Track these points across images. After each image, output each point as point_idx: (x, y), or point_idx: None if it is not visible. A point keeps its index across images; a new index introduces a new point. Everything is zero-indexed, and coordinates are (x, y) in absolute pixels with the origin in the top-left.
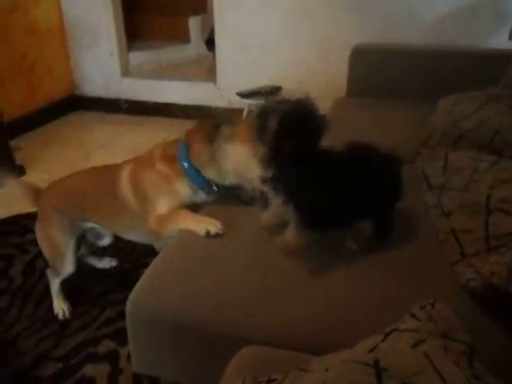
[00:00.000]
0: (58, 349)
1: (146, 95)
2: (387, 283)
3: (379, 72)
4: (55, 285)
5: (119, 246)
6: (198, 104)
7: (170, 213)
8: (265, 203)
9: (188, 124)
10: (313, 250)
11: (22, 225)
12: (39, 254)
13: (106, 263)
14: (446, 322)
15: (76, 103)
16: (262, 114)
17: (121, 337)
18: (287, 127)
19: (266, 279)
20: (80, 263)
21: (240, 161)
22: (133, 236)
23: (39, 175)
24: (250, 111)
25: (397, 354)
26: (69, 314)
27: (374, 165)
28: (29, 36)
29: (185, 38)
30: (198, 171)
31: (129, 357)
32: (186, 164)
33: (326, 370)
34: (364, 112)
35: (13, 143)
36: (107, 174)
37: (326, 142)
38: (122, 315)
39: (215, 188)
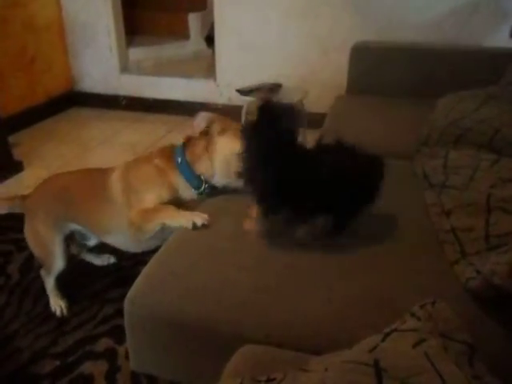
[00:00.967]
0: (55, 346)
1: (145, 92)
2: (387, 283)
3: (379, 70)
4: (49, 283)
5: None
6: (197, 101)
7: (154, 207)
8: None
9: (188, 121)
10: (312, 250)
11: (20, 221)
12: None
13: (105, 260)
14: (446, 321)
15: (75, 99)
16: (249, 112)
17: (119, 334)
18: (263, 122)
19: (265, 278)
20: (78, 261)
21: (227, 155)
22: (113, 238)
23: (37, 171)
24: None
25: (397, 354)
26: (66, 312)
27: (343, 163)
28: (28, 31)
29: (184, 35)
30: (189, 166)
31: (127, 355)
32: (179, 158)
33: (326, 369)
34: (364, 110)
35: (11, 139)
36: (98, 175)
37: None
38: (120, 313)
39: (204, 185)
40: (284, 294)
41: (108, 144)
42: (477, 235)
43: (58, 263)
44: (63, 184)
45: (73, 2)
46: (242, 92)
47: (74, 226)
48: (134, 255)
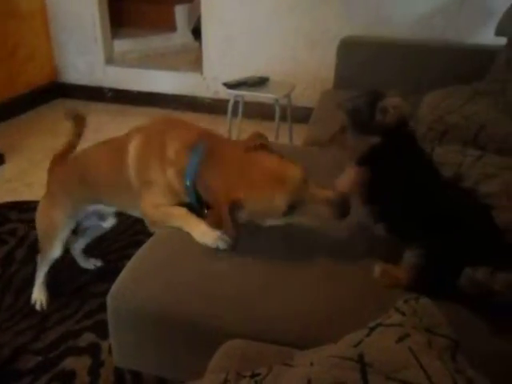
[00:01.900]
0: (37, 342)
1: (130, 84)
2: (373, 281)
3: (367, 65)
4: (42, 272)
5: (103, 238)
6: (183, 94)
7: (172, 209)
8: None
9: (174, 115)
10: (299, 249)
11: (1, 214)
12: (18, 244)
13: (91, 264)
14: (429, 316)
15: (58, 90)
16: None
17: (102, 329)
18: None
19: (252, 274)
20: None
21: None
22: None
23: (19, 164)
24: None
25: (381, 348)
26: (46, 306)
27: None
28: (9, 19)
29: (171, 27)
30: (197, 192)
31: (110, 350)
32: (188, 183)
33: (311, 364)
34: None
35: None
36: (116, 147)
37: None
38: (103, 307)
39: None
40: (270, 290)
41: (92, 136)
42: None
43: (56, 251)
44: (83, 164)
45: None
46: (229, 86)
47: (94, 207)
48: (119, 248)
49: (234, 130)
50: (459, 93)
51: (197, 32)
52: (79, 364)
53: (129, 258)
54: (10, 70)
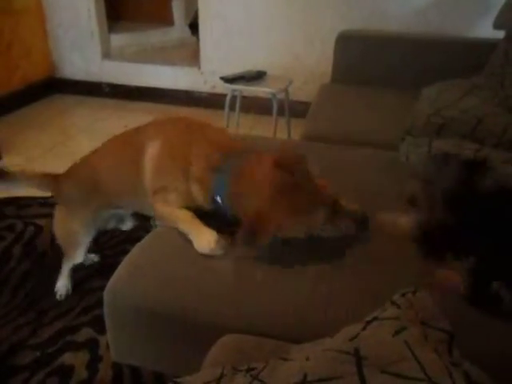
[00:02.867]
0: (35, 337)
1: (128, 79)
2: (370, 274)
3: (364, 59)
4: (66, 269)
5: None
6: (181, 88)
7: (178, 211)
8: None
9: (171, 110)
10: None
11: None
12: (15, 240)
13: (88, 260)
14: (426, 309)
15: (55, 86)
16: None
17: (100, 324)
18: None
19: (249, 269)
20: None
21: None
22: None
23: (16, 160)
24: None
25: (377, 342)
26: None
27: None
28: (4, 15)
29: (168, 21)
30: (227, 206)
31: (108, 345)
32: (219, 199)
33: (307, 358)
34: (348, 99)
35: None
36: (131, 147)
37: (311, 128)
38: (101, 303)
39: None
40: (267, 284)
41: (89, 132)
42: None
43: (79, 258)
44: (96, 167)
45: None
46: (227, 80)
47: (114, 212)
48: (116, 244)
49: (231, 124)
50: (457, 86)
51: (194, 26)
52: (77, 359)
53: (126, 253)
54: (6, 66)
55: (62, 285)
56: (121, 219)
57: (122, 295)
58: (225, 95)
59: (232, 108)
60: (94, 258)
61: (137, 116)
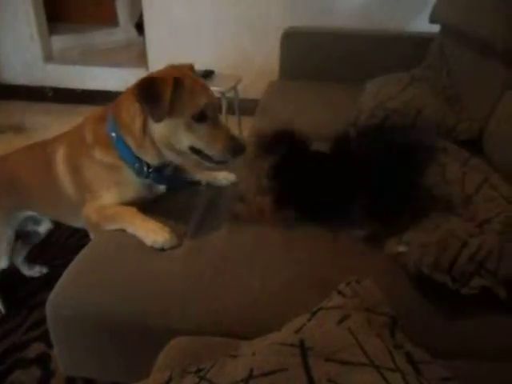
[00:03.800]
0: None
1: (73, 82)
2: (318, 264)
3: (310, 55)
4: None
5: (48, 242)
6: None
7: (116, 209)
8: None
9: None
10: (244, 238)
11: None
12: None
13: (36, 271)
14: (370, 296)
15: None
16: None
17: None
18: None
19: (198, 268)
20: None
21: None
22: (80, 224)
23: None
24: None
25: (322, 332)
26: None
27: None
28: None
29: (113, 22)
30: (126, 143)
31: None
32: (113, 133)
33: (253, 354)
34: (296, 95)
35: None
36: (41, 154)
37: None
38: None
39: (145, 168)
40: (216, 283)
41: (35, 139)
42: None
43: (3, 262)
44: (10, 171)
45: None
46: None
47: (28, 213)
48: (65, 254)
49: None
50: (398, 80)
51: (141, 26)
52: (28, 376)
53: None
54: None
55: None
56: (37, 221)
57: (65, 306)
58: None
59: None
60: (41, 269)
61: None
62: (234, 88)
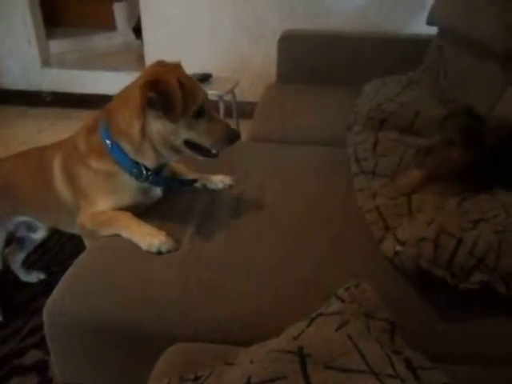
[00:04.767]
0: None
1: (70, 86)
2: (315, 268)
3: (308, 58)
4: None
5: (46, 247)
6: None
7: (111, 214)
8: None
9: None
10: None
11: None
12: None
13: (34, 277)
14: (369, 301)
15: None
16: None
17: None
18: None
19: (194, 274)
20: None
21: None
22: (76, 230)
23: None
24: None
25: (321, 338)
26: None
27: None
28: None
29: (110, 26)
30: (121, 149)
31: None
32: (107, 141)
33: (251, 361)
34: (293, 98)
35: None
36: (37, 161)
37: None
38: None
39: (144, 170)
40: (213, 289)
41: (32, 144)
42: (400, 211)
43: None
44: (5, 175)
45: None
46: None
47: (21, 219)
48: (64, 259)
49: None
50: (395, 82)
51: (138, 30)
52: (26, 383)
53: None
54: None
55: None
56: (31, 227)
57: (62, 313)
58: None
59: None
60: (39, 275)
61: (81, 125)
62: (232, 91)
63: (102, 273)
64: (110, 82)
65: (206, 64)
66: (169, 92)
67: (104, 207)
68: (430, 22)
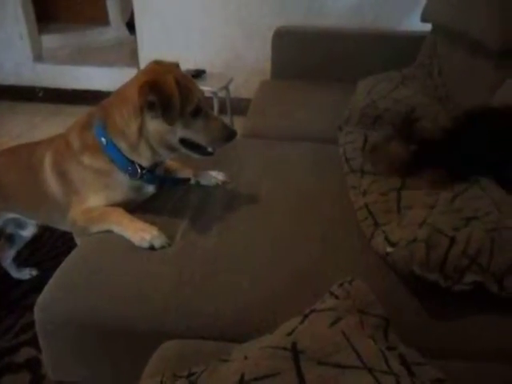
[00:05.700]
0: None
1: (63, 82)
2: (309, 264)
3: (302, 54)
4: None
5: (38, 244)
6: None
7: (102, 210)
8: None
9: None
10: (235, 237)
11: None
12: None
13: (26, 274)
14: (362, 297)
15: None
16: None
17: None
18: None
19: (188, 270)
20: None
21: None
22: (67, 227)
23: None
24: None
25: (314, 334)
26: None
27: None
28: None
29: (103, 21)
30: (117, 147)
31: None
32: (103, 138)
33: (245, 358)
34: (287, 94)
35: None
36: (28, 158)
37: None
38: None
39: (138, 168)
40: (207, 285)
41: (24, 139)
42: (389, 208)
43: None
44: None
45: None
46: None
47: (10, 215)
48: (56, 255)
49: None
50: (389, 78)
51: (131, 25)
52: (18, 381)
53: None
54: None
55: None
56: (20, 224)
57: (53, 310)
58: None
59: None
60: (31, 271)
61: (74, 121)
62: (226, 87)
63: (93, 269)
64: (103, 78)
65: (200, 60)
66: (168, 94)
67: (96, 204)
68: (424, 19)
